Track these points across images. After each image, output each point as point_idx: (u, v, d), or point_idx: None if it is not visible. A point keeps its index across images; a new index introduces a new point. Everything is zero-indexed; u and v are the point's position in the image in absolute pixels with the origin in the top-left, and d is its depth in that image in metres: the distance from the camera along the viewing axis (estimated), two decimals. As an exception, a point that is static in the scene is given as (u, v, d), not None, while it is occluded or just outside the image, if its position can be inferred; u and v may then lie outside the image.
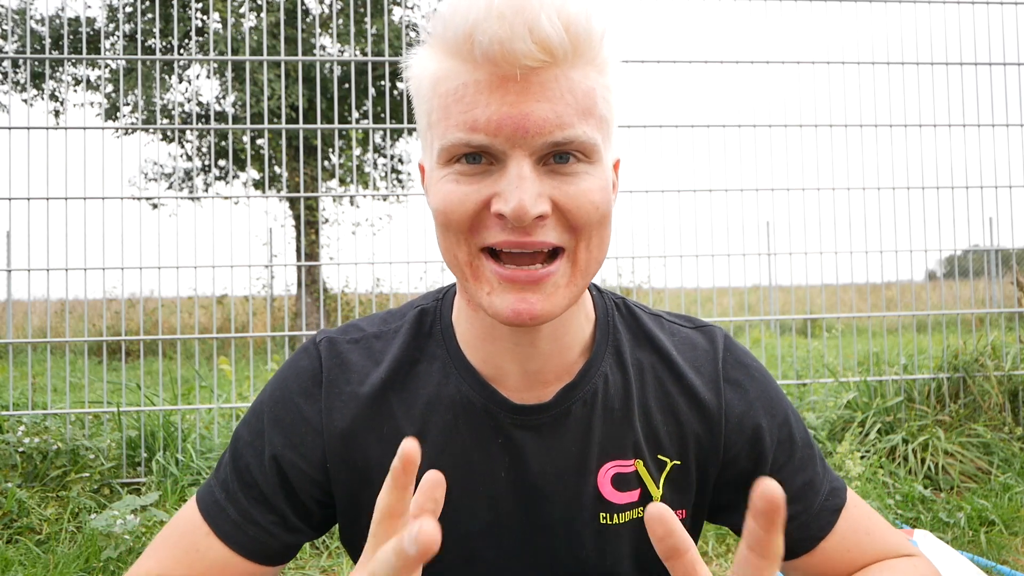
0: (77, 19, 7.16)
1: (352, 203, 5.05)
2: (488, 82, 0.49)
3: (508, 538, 0.62)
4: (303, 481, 0.62)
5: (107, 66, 6.74)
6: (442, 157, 0.52)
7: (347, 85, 6.17)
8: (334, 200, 4.63)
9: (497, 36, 0.47)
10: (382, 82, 5.72)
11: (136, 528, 2.13)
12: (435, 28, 0.52)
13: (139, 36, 3.23)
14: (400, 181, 7.93)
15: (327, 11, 5.88)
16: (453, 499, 0.61)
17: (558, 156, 0.51)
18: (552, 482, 0.61)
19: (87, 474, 2.48)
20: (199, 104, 7.02)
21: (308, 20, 7.02)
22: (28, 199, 2.74)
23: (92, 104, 6.21)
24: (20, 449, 2.46)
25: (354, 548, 0.65)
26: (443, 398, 0.62)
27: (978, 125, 3.12)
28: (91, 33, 6.25)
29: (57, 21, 6.78)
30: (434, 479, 0.39)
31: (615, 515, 0.63)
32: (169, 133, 5.17)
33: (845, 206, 3.07)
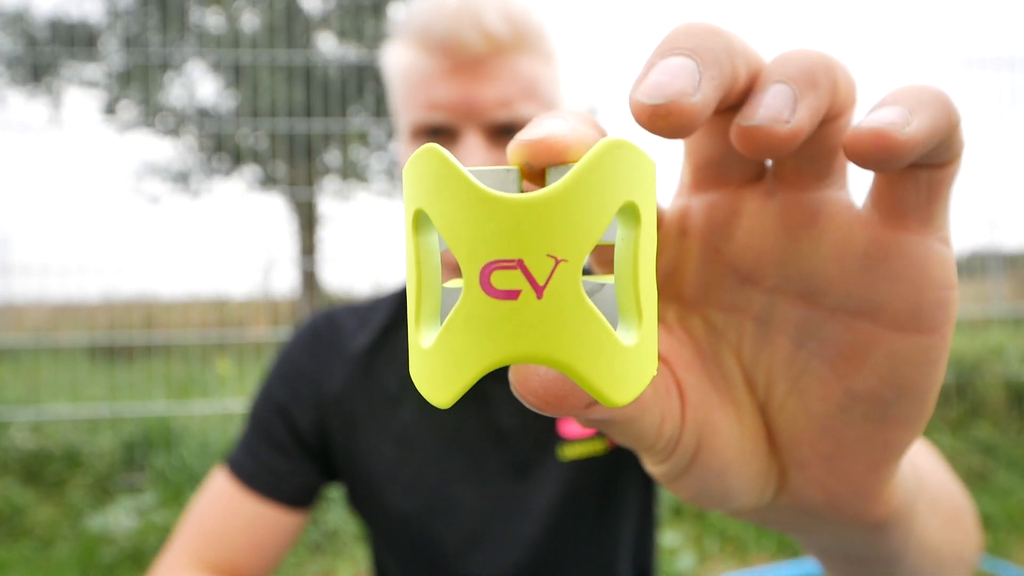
0: (78, 21, 7.13)
1: (350, 200, 5.03)
2: (443, 69, 0.58)
3: (483, 483, 0.65)
4: (308, 429, 0.67)
5: (106, 66, 6.71)
6: (408, 135, 0.61)
7: (346, 83, 6.14)
8: (332, 199, 4.61)
9: (448, 29, 0.56)
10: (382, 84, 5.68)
11: (134, 530, 2.13)
12: (405, 23, 0.61)
13: (139, 34, 3.21)
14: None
15: (326, 9, 5.86)
16: (433, 447, 0.66)
17: (508, 132, 0.58)
18: (516, 424, 0.65)
19: (85, 476, 2.47)
20: (198, 103, 6.99)
21: (306, 19, 6.99)
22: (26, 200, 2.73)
23: (91, 105, 6.18)
24: (18, 451, 2.46)
25: (357, 505, 0.69)
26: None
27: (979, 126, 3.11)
28: (91, 32, 6.23)
29: (57, 21, 6.75)
30: None
31: (575, 449, 0.65)
32: (168, 129, 5.17)
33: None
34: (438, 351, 0.14)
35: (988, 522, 2.27)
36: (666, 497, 2.31)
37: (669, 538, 2.16)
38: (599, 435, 0.65)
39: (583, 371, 0.14)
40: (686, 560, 2.09)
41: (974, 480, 2.60)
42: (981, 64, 3.12)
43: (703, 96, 0.16)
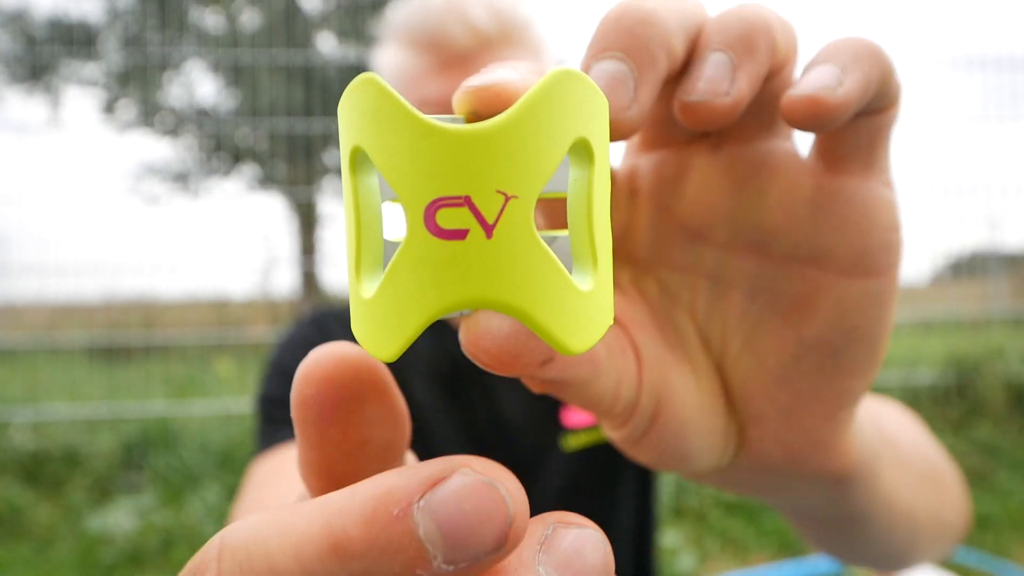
0: (77, 20, 7.12)
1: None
2: (432, 66, 0.58)
3: None
4: None
5: (105, 66, 6.69)
6: None
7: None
8: (332, 198, 4.61)
9: (435, 25, 0.57)
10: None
11: (133, 531, 2.12)
12: (393, 24, 0.62)
13: (138, 33, 3.21)
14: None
15: (326, 9, 5.85)
16: (439, 442, 0.66)
17: None
18: (521, 418, 0.65)
19: (84, 476, 2.46)
20: (197, 103, 6.97)
21: (305, 19, 6.98)
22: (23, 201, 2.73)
23: (90, 104, 6.17)
24: (17, 451, 2.45)
25: None
26: (422, 351, 0.67)
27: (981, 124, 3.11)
28: (90, 32, 6.22)
29: (56, 20, 6.73)
30: None
31: (579, 438, 0.65)
32: (168, 129, 5.16)
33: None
34: (381, 300, 0.13)
35: (989, 522, 2.27)
36: (666, 497, 2.30)
37: (669, 538, 2.16)
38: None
39: (537, 316, 0.13)
40: (686, 560, 2.08)
41: (975, 480, 2.59)
42: (982, 64, 3.12)
43: (639, 107, 0.16)
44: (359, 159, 0.14)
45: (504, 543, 0.12)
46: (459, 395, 0.67)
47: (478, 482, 0.12)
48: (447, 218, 0.12)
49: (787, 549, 2.12)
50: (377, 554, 0.12)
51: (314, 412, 0.15)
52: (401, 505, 0.12)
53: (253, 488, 0.65)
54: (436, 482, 0.12)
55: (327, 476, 0.16)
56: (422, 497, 0.12)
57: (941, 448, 0.38)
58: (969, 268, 3.46)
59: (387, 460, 0.16)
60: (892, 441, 0.31)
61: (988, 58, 3.13)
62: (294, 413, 0.15)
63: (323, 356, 0.16)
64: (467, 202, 0.12)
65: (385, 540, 0.12)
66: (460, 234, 0.12)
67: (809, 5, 3.06)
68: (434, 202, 0.12)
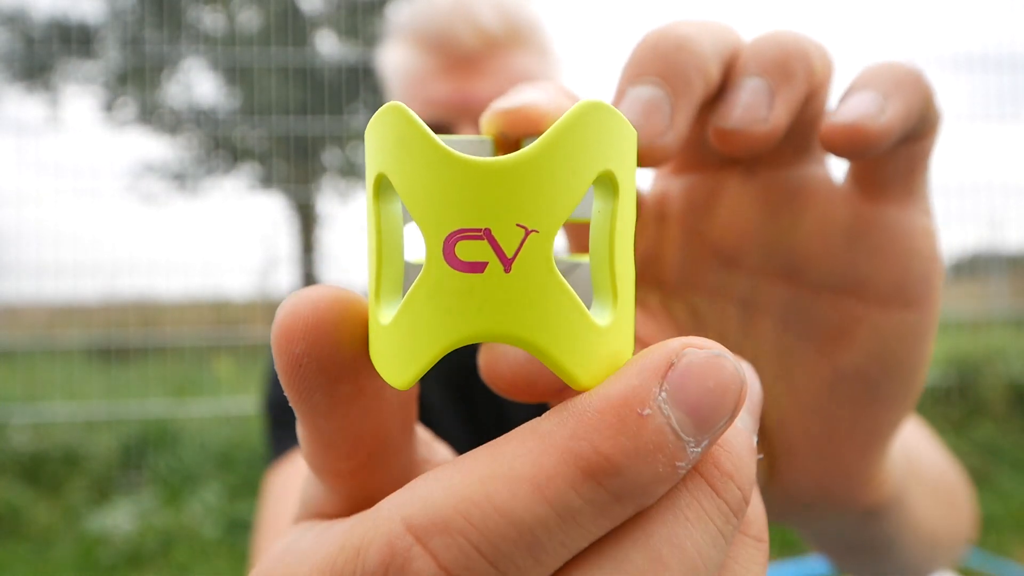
0: (76, 19, 7.11)
1: (350, 199, 5.01)
2: (439, 66, 0.58)
3: None
4: None
5: (104, 65, 6.68)
6: None
7: (345, 82, 6.13)
8: (331, 198, 4.60)
9: (443, 26, 0.57)
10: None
11: (132, 531, 2.12)
12: (400, 23, 0.61)
13: (138, 32, 3.20)
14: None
15: (326, 8, 5.85)
16: (451, 434, 0.64)
17: None
18: (526, 419, 0.65)
19: (83, 477, 2.46)
20: (197, 103, 6.96)
21: (304, 18, 6.97)
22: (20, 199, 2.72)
23: (89, 103, 6.15)
24: (16, 451, 2.45)
25: None
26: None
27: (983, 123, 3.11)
28: (89, 31, 6.21)
29: (55, 20, 6.72)
30: None
31: None
32: (167, 128, 5.16)
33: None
34: (397, 328, 0.13)
35: (990, 522, 2.26)
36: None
37: (670, 539, 2.16)
38: None
39: (551, 351, 0.13)
40: (687, 561, 2.08)
41: (976, 481, 2.59)
42: (981, 64, 3.12)
43: (675, 133, 0.16)
44: (383, 186, 0.14)
45: (737, 409, 0.12)
46: (467, 398, 0.67)
47: (710, 356, 0.12)
48: (466, 250, 0.12)
49: (787, 549, 2.12)
50: (640, 462, 0.11)
51: (313, 370, 0.13)
52: (646, 403, 0.11)
53: (275, 500, 0.63)
54: (667, 369, 0.12)
55: (353, 451, 0.14)
56: (661, 388, 0.11)
57: (947, 453, 0.39)
58: (970, 268, 3.46)
59: (408, 411, 0.15)
60: (916, 464, 0.31)
61: (987, 58, 3.13)
62: (289, 385, 0.14)
63: (299, 303, 0.13)
64: (487, 235, 0.12)
65: (644, 445, 0.11)
66: (478, 267, 0.12)
67: (808, 6, 3.06)
68: (453, 234, 0.12)
